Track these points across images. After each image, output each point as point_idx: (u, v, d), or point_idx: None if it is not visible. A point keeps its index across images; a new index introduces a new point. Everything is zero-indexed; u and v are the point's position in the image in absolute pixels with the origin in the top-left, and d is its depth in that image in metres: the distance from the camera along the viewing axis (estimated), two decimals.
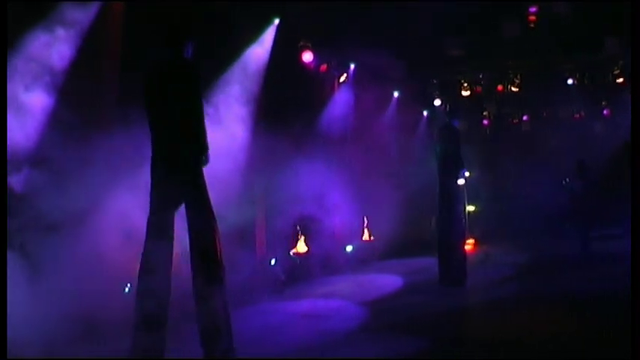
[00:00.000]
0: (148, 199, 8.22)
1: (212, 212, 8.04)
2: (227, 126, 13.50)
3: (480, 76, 22.33)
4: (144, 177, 9.04)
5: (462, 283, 14.05)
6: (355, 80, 20.74)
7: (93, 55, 10.97)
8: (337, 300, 13.41)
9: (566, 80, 22.20)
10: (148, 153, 8.38)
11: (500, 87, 22.57)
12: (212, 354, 7.72)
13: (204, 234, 7.91)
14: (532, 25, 17.36)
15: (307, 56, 17.75)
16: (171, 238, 7.93)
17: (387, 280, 15.99)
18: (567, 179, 21.66)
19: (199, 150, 8.00)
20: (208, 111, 12.87)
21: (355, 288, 15.09)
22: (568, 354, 8.20)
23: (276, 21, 15.91)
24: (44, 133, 9.56)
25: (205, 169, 12.00)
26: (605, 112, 24.58)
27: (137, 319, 7.64)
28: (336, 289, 15.01)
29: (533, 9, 17.06)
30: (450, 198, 14.27)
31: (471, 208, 16.21)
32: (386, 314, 11.61)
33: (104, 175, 9.54)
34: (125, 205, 10.06)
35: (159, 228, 7.88)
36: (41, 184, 9.09)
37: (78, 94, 9.97)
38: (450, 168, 14.27)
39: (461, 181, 14.33)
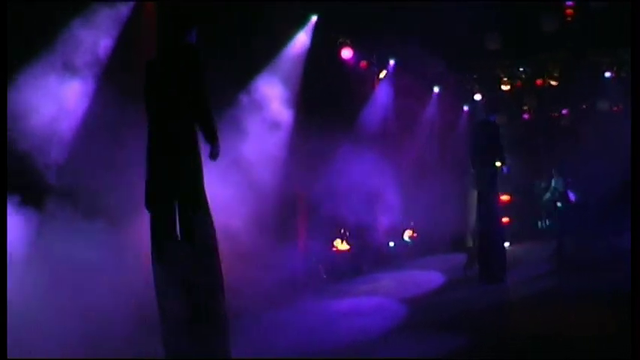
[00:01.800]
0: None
1: (208, 210, 7.43)
2: (266, 121, 13.47)
3: (521, 69, 21.97)
4: None
5: (501, 280, 13.80)
6: (395, 76, 20.44)
7: (128, 53, 10.90)
8: (378, 297, 13.23)
9: (604, 73, 21.82)
10: None
11: (539, 81, 22.27)
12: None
13: (199, 233, 7.32)
14: (569, 19, 16.95)
15: (346, 53, 17.55)
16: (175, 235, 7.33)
17: (428, 277, 15.76)
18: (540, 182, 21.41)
19: (208, 140, 7.39)
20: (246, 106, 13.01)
21: (397, 285, 14.91)
22: (608, 352, 7.94)
23: (314, 18, 15.81)
24: (82, 129, 9.59)
25: (245, 163, 12.03)
26: None
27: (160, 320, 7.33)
28: (377, 286, 14.86)
29: (569, 3, 16.65)
30: (488, 195, 14.02)
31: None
32: (426, 311, 11.43)
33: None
34: None
35: (160, 227, 7.42)
36: (77, 180, 9.05)
37: (115, 91, 9.79)
38: (487, 164, 13.98)
39: (505, 169, 14.16)
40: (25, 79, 9.07)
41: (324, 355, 8.61)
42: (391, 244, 20.08)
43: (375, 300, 13.08)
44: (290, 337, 9.71)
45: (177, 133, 7.33)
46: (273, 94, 13.73)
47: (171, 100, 7.38)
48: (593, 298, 11.39)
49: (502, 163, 14.09)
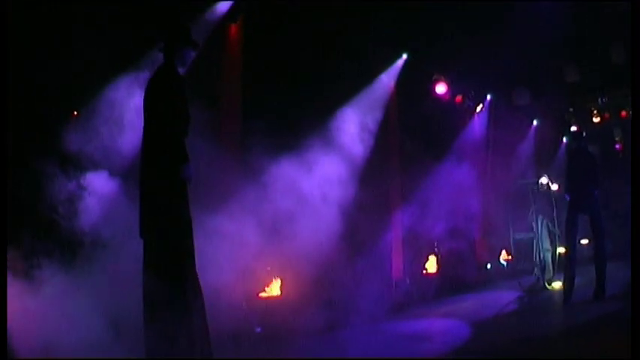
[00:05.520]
0: None
1: (190, 229, 6.67)
2: (352, 150, 12.40)
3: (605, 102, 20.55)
4: None
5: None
6: (492, 110, 19.58)
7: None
8: (452, 320, 11.94)
9: None
10: None
11: (623, 113, 20.79)
12: None
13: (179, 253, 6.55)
14: None
15: (441, 88, 16.62)
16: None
17: (512, 298, 14.30)
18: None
19: (177, 161, 6.47)
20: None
21: (477, 307, 13.63)
22: None
23: (404, 56, 15.07)
24: None
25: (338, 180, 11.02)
26: None
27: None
28: (457, 307, 13.66)
29: None
30: (594, 214, 12.79)
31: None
32: (489, 337, 9.94)
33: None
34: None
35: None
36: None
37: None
38: (578, 190, 12.78)
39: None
40: None
41: None
42: (488, 266, 19.13)
43: (446, 323, 11.91)
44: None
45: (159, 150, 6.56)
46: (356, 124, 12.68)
47: (152, 120, 6.68)
48: None
49: (593, 188, 12.77)
